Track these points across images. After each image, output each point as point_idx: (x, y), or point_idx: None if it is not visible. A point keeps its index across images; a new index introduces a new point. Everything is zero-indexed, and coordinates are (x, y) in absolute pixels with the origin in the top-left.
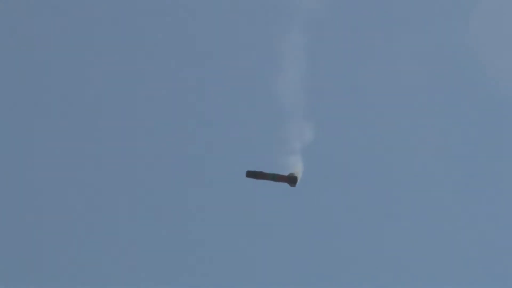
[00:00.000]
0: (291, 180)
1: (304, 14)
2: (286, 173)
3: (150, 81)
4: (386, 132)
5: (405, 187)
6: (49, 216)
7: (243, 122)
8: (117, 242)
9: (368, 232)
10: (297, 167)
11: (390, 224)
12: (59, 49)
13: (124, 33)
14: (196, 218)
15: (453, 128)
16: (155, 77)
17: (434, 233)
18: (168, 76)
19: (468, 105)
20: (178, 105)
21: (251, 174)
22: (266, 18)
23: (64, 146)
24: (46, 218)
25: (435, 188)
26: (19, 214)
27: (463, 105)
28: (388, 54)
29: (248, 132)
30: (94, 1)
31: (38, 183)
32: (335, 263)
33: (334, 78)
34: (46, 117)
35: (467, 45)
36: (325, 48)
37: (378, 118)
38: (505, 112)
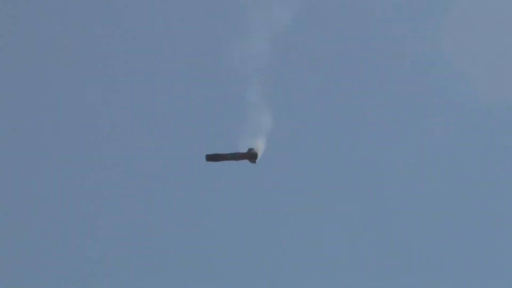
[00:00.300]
0: (252, 156)
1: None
2: (245, 150)
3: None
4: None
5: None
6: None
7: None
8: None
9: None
10: (257, 144)
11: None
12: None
13: None
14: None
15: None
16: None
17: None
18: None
19: (443, 109)
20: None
21: (211, 158)
22: None
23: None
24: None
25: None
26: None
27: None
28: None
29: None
30: None
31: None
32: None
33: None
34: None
35: (441, 52)
36: None
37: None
38: (481, 117)
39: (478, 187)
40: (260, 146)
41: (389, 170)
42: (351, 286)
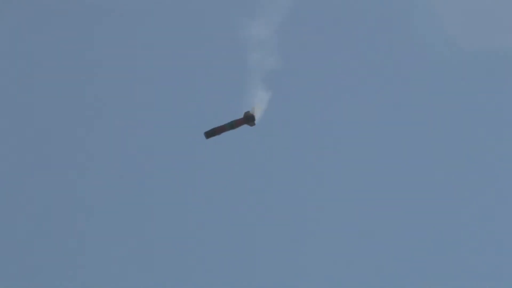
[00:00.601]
0: (249, 119)
1: None
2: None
3: None
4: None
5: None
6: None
7: None
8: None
9: None
10: (253, 106)
11: None
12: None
13: None
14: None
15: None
16: None
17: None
18: None
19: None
20: None
21: (210, 134)
22: None
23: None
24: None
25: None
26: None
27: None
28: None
29: None
30: None
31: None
32: None
33: None
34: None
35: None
36: None
37: None
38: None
39: (458, 139)
40: (256, 108)
41: (367, 118)
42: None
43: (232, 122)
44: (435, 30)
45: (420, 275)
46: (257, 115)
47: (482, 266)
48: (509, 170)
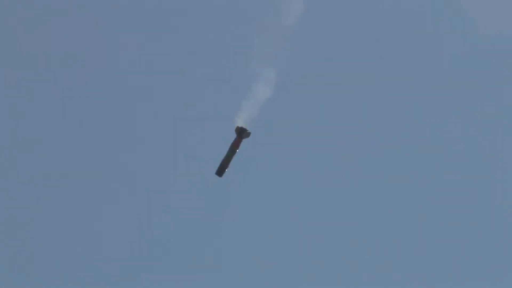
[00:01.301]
0: (242, 132)
1: None
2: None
3: None
4: None
5: None
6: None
7: None
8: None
9: None
10: (239, 122)
11: None
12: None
13: None
14: None
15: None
16: None
17: None
18: None
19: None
20: None
21: (220, 170)
22: None
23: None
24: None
25: None
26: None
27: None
28: None
29: None
30: None
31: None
32: None
33: None
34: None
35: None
36: None
37: None
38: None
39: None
40: (242, 121)
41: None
42: None
43: (231, 147)
44: (456, 14)
45: (420, 275)
46: (246, 126)
47: (482, 266)
48: None
